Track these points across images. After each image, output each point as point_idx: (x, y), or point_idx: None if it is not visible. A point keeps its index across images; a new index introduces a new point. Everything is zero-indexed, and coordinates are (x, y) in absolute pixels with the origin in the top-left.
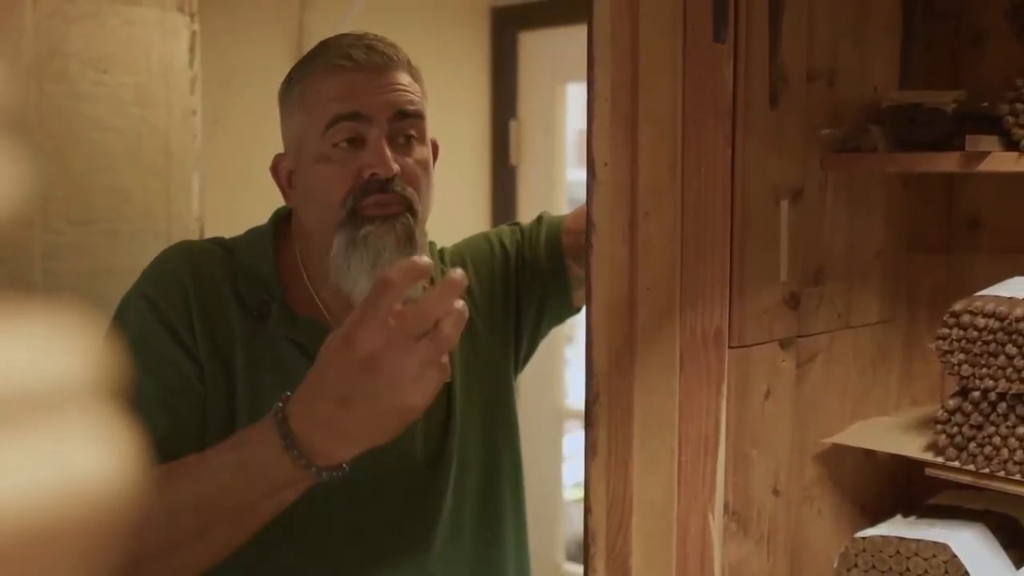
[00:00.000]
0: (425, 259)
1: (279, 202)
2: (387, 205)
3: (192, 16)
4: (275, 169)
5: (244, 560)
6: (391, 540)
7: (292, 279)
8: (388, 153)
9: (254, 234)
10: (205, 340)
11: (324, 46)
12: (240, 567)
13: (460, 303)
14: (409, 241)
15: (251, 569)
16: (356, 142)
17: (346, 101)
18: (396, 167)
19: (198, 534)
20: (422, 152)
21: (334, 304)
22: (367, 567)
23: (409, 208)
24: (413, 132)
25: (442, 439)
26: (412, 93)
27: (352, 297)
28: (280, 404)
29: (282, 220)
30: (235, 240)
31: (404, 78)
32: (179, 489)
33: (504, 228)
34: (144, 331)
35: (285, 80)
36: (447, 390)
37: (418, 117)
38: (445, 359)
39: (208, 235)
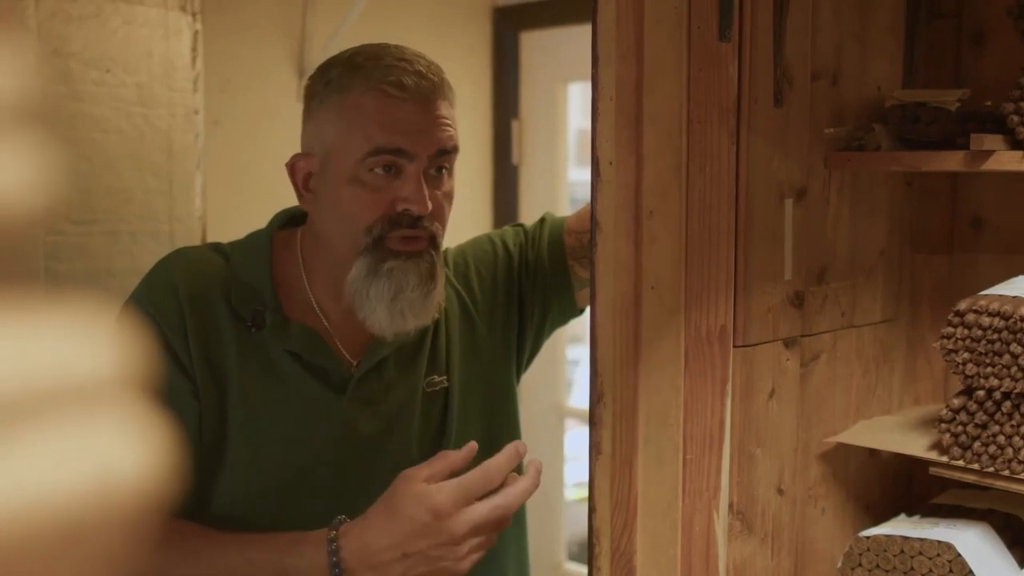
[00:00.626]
0: (522, 445)
1: (281, 202)
2: (414, 240)
3: (194, 16)
4: (292, 168)
5: None
6: None
7: (290, 284)
8: (425, 191)
9: (251, 240)
10: (199, 350)
11: (369, 57)
12: None
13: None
14: (431, 277)
15: None
16: (393, 170)
17: (391, 133)
18: (431, 205)
19: None
20: (450, 184)
21: (332, 312)
22: None
23: (432, 242)
24: (446, 165)
25: (438, 441)
26: (452, 127)
27: (367, 324)
28: (334, 532)
29: (282, 223)
30: (233, 245)
31: (447, 110)
32: (211, 569)
33: (507, 229)
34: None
35: (319, 78)
36: (444, 394)
37: (454, 152)
38: (503, 509)
39: (210, 235)
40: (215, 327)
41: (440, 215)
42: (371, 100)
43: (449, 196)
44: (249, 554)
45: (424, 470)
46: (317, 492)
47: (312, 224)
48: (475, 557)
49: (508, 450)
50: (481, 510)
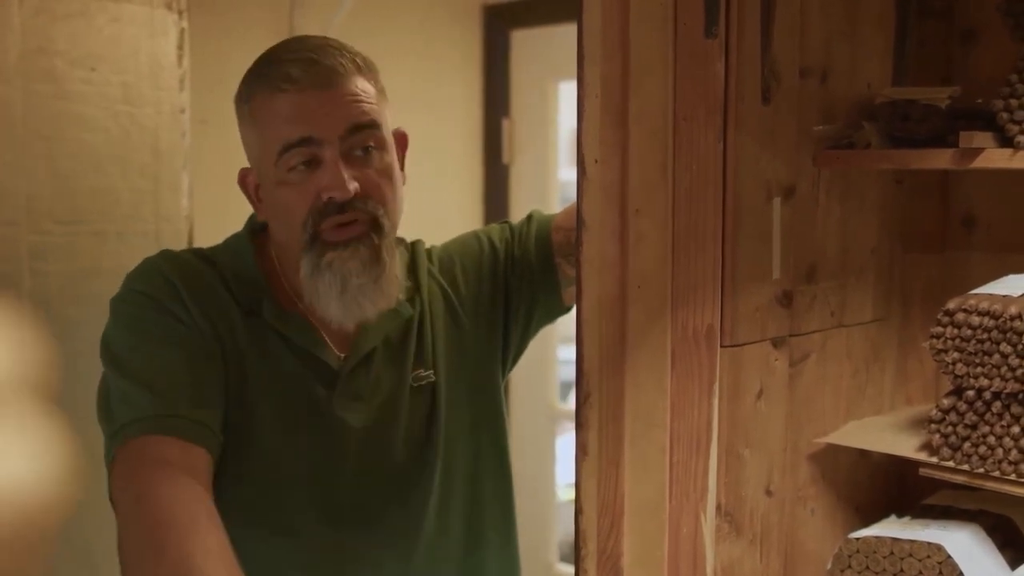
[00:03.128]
0: None
1: None
2: (348, 226)
3: (181, 14)
4: (243, 182)
5: None
6: (375, 540)
7: (275, 281)
8: (344, 174)
9: (232, 242)
10: (207, 327)
11: (267, 60)
12: None
13: None
14: (376, 262)
15: None
16: (313, 163)
17: (294, 126)
18: (353, 187)
19: None
20: (382, 160)
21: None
22: (349, 567)
23: (373, 224)
24: (371, 143)
25: (426, 438)
26: (364, 102)
27: (325, 318)
28: None
29: (257, 227)
30: (213, 250)
31: (353, 87)
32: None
33: (494, 226)
34: (143, 316)
35: (237, 93)
36: (431, 389)
37: (373, 127)
38: None
39: (198, 234)
40: (215, 305)
41: (377, 193)
42: (268, 101)
43: (386, 172)
44: None
45: None
46: (305, 483)
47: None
48: None
49: None
50: None
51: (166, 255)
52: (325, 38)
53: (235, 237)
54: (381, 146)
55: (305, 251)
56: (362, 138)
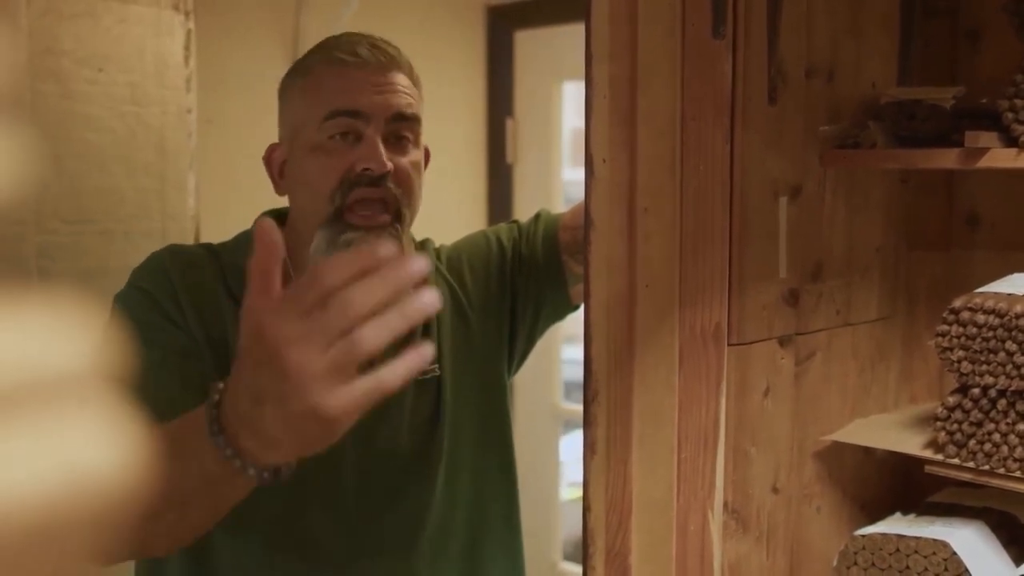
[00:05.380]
0: (419, 263)
1: (275, 201)
2: (374, 215)
3: (187, 14)
4: (268, 158)
5: (227, 553)
6: (377, 534)
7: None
8: (383, 151)
9: (242, 236)
10: (197, 326)
11: (328, 42)
12: (224, 560)
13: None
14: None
15: (236, 563)
16: (351, 137)
17: (347, 96)
18: (390, 164)
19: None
20: (415, 155)
21: None
22: (352, 561)
23: (397, 214)
24: (408, 134)
25: (430, 433)
26: (411, 96)
27: None
28: (217, 394)
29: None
30: (222, 244)
31: (404, 80)
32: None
33: (502, 226)
34: (141, 317)
35: (287, 73)
36: (436, 385)
37: (415, 120)
38: (386, 380)
39: (204, 234)
40: (211, 305)
41: (405, 181)
42: (327, 70)
43: (416, 167)
44: (154, 442)
45: (257, 297)
46: (306, 479)
47: (290, 215)
48: (342, 394)
49: (359, 252)
50: (307, 316)
51: (172, 249)
52: (383, 38)
53: (244, 233)
54: (416, 142)
55: (323, 226)
56: (402, 127)
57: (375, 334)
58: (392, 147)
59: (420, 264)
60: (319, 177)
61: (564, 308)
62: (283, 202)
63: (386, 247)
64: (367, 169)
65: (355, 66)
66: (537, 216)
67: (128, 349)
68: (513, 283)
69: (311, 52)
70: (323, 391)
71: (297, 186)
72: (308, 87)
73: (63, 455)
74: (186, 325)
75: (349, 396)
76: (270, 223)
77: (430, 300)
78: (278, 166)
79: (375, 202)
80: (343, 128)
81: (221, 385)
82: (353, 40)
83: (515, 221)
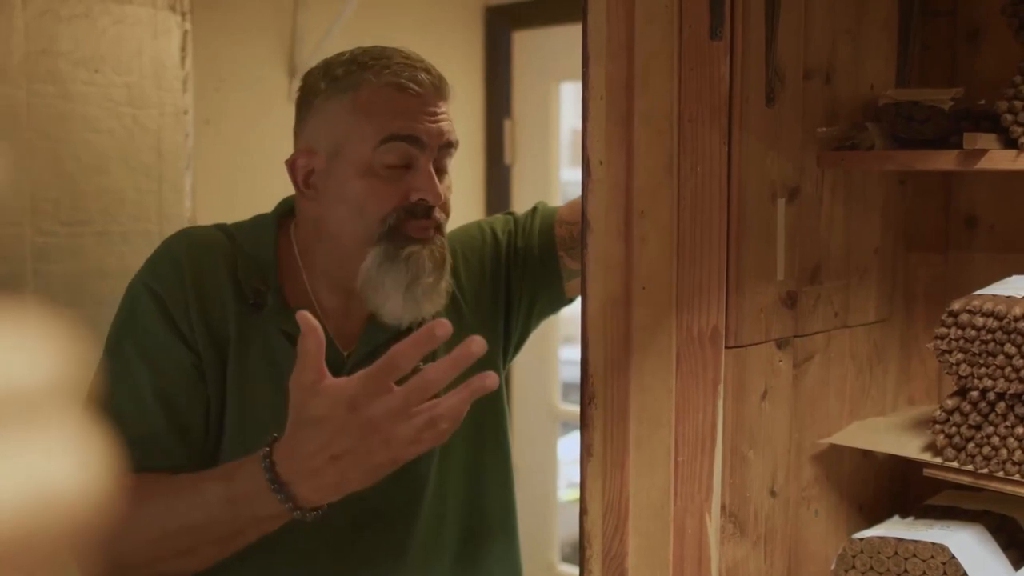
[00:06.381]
0: (444, 326)
1: (272, 202)
2: (426, 229)
3: (184, 15)
4: (292, 165)
5: (218, 570)
6: (369, 531)
7: (289, 270)
8: (437, 182)
9: (258, 221)
10: (201, 325)
11: (376, 58)
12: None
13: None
14: (443, 263)
15: (224, 564)
16: (405, 162)
17: (405, 122)
18: (443, 196)
19: (184, 552)
20: (450, 180)
21: (327, 303)
22: (343, 559)
23: (439, 231)
24: (449, 160)
25: None
26: (452, 122)
27: (380, 313)
28: (268, 448)
29: (285, 212)
30: (238, 225)
31: (448, 107)
32: (171, 511)
33: (498, 217)
34: (147, 323)
35: (320, 76)
36: None
37: (455, 147)
38: (444, 425)
39: None
40: (218, 301)
41: (446, 207)
42: (386, 94)
43: (450, 190)
44: (201, 487)
45: (307, 373)
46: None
47: (311, 219)
48: (414, 449)
49: (417, 334)
50: (397, 394)
51: (189, 240)
52: (415, 53)
53: (261, 217)
54: (450, 167)
55: (378, 242)
56: (447, 155)
57: (449, 405)
58: (437, 173)
59: (480, 345)
60: (370, 201)
61: (559, 301)
62: (282, 193)
63: (443, 328)
64: (422, 199)
65: (414, 93)
66: (534, 209)
67: (111, 367)
68: (508, 276)
69: (359, 67)
70: (404, 448)
71: (338, 205)
72: (360, 106)
73: (35, 473)
74: (191, 334)
75: (422, 446)
76: (312, 321)
77: (491, 383)
78: (304, 174)
79: (425, 227)
80: (399, 154)
81: (268, 447)
82: (409, 65)
83: (511, 212)
